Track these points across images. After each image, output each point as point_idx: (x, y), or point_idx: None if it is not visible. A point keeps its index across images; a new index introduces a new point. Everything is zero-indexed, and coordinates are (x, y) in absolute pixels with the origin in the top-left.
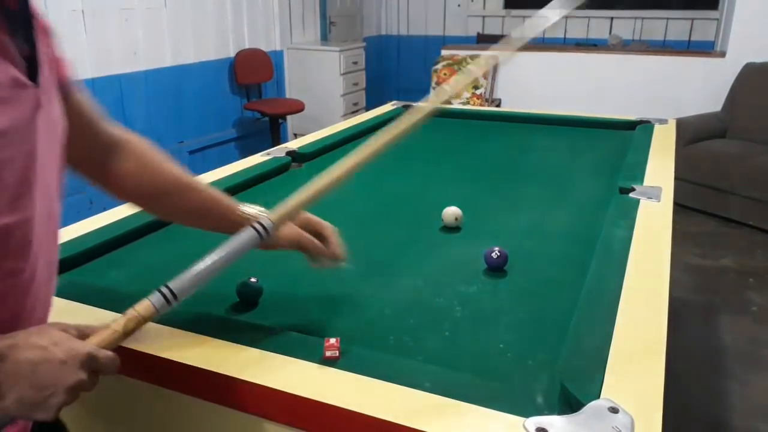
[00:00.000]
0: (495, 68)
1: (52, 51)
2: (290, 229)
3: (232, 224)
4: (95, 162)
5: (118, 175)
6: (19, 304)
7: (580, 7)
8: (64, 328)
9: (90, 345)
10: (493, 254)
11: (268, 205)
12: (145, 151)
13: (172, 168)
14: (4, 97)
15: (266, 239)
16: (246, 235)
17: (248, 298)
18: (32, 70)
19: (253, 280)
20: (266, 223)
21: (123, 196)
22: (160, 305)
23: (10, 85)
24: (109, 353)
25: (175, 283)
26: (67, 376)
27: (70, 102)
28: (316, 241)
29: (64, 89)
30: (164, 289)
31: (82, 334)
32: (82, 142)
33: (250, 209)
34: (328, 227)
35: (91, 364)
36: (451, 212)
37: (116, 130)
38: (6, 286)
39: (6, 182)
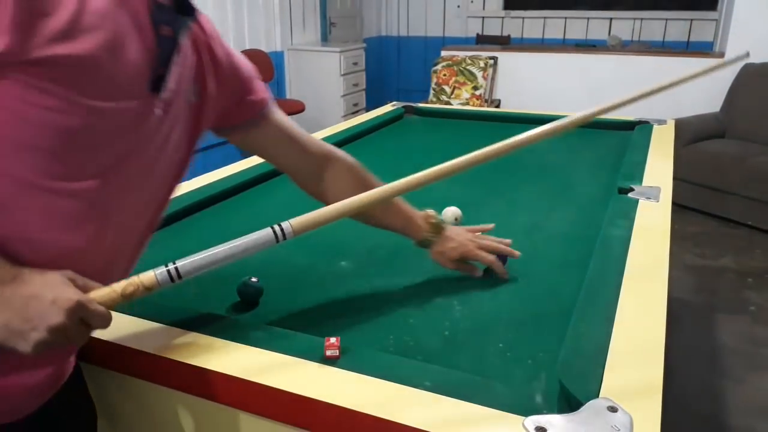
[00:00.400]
0: (494, 69)
1: (235, 84)
2: (450, 264)
3: (418, 228)
4: (306, 177)
5: (327, 191)
6: (71, 262)
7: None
8: (72, 276)
9: (83, 296)
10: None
11: (267, 205)
12: (351, 169)
13: (375, 186)
14: (121, 88)
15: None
16: (262, 234)
17: (249, 297)
18: (157, 84)
19: (253, 279)
20: (285, 226)
21: None
22: (163, 279)
23: (130, 85)
24: (101, 308)
25: (183, 263)
26: (51, 315)
27: (268, 122)
28: (467, 266)
29: (262, 111)
30: (171, 266)
31: (86, 287)
32: (288, 158)
33: (426, 212)
34: (472, 252)
35: (79, 312)
36: (451, 212)
37: (324, 147)
38: (72, 241)
39: (100, 154)
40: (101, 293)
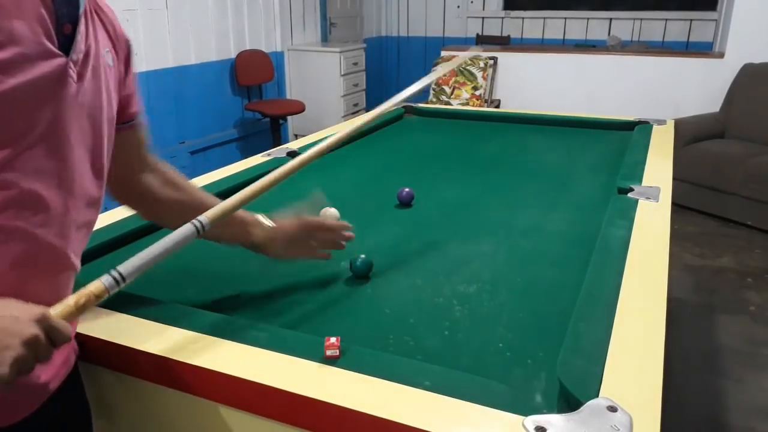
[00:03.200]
0: (494, 69)
1: (130, 80)
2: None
3: (249, 234)
4: (135, 181)
5: (151, 194)
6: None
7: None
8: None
9: (44, 308)
10: (404, 192)
11: (270, 205)
12: (173, 175)
13: (194, 189)
14: (27, 54)
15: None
16: (185, 229)
17: (361, 272)
18: (67, 46)
19: (362, 256)
20: (203, 220)
21: (149, 214)
22: (109, 284)
23: (35, 48)
24: (62, 320)
25: (124, 267)
26: (21, 329)
27: (134, 133)
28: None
29: (132, 121)
30: (114, 272)
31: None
32: (131, 166)
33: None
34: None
35: (43, 323)
36: (330, 213)
37: (154, 157)
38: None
39: (13, 129)
40: (57, 309)
